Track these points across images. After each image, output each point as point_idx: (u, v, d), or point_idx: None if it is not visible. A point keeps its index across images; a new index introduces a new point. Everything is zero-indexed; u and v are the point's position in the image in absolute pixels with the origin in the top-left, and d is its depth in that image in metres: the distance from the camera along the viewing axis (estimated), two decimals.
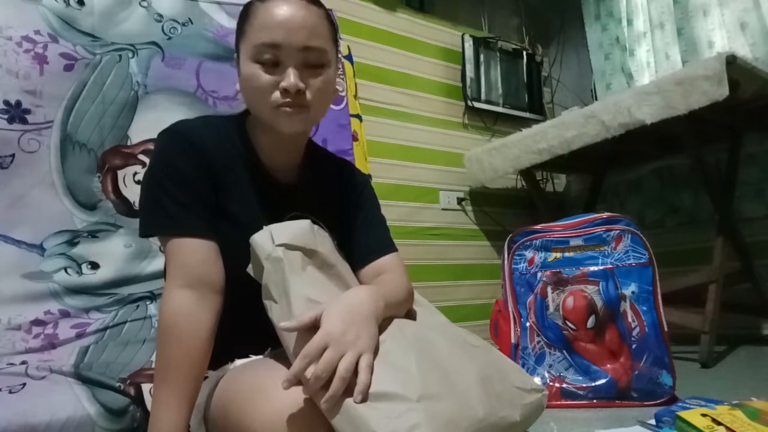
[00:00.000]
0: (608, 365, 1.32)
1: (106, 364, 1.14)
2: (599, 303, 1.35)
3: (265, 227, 0.69)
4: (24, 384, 1.03)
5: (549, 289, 1.41)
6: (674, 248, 2.37)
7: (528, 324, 1.42)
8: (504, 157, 2.32)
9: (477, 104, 2.68)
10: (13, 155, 1.22)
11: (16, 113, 1.23)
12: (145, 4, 1.45)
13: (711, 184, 1.96)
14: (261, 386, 0.62)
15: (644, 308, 1.32)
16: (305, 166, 0.87)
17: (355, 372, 0.56)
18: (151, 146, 1.36)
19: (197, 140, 0.75)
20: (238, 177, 0.78)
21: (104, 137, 1.33)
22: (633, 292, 1.33)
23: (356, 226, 0.86)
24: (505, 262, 1.49)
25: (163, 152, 0.76)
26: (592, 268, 1.38)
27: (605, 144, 1.94)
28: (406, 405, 0.55)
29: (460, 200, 2.59)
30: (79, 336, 1.18)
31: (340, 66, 1.72)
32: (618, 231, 1.39)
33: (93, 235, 1.28)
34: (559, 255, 1.43)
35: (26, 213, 1.22)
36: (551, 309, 1.39)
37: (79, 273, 1.24)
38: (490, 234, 2.67)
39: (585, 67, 2.88)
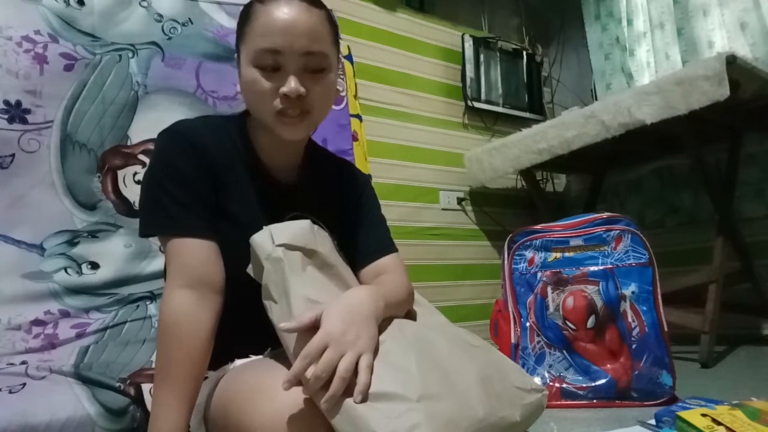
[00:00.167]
0: (608, 365, 1.32)
1: (106, 364, 1.14)
2: (599, 303, 1.35)
3: (265, 227, 0.69)
4: (24, 384, 1.03)
5: (549, 289, 1.41)
6: (674, 248, 2.37)
7: (528, 324, 1.42)
8: (504, 157, 2.32)
9: (477, 104, 2.68)
10: (13, 155, 1.22)
11: (16, 113, 1.23)
12: (145, 4, 1.45)
13: (711, 184, 1.96)
14: (261, 386, 0.62)
15: (644, 308, 1.32)
16: (305, 166, 0.87)
17: (355, 372, 0.56)
18: (151, 146, 1.36)
19: (197, 140, 0.75)
20: (238, 177, 0.78)
21: (104, 137, 1.33)
22: (633, 292, 1.33)
23: (357, 226, 0.86)
24: (505, 262, 1.49)
25: (164, 152, 0.75)
26: (592, 268, 1.38)
27: (605, 144, 1.94)
28: (406, 405, 0.55)
29: (460, 200, 2.59)
30: (79, 336, 1.18)
31: (341, 66, 1.72)
32: (618, 231, 1.39)
33: (93, 235, 1.28)
34: (559, 255, 1.43)
35: (26, 213, 1.22)
36: (551, 309, 1.39)
37: (79, 273, 1.24)
38: (490, 234, 2.67)
39: (585, 67, 2.88)
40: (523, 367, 1.36)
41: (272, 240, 0.67)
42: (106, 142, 1.33)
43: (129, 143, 1.36)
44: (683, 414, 0.85)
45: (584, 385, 1.33)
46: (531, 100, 2.88)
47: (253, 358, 0.75)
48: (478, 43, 2.71)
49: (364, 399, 0.55)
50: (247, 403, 0.61)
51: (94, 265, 1.26)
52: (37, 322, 1.16)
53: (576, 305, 1.37)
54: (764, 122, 2.02)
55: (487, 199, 2.69)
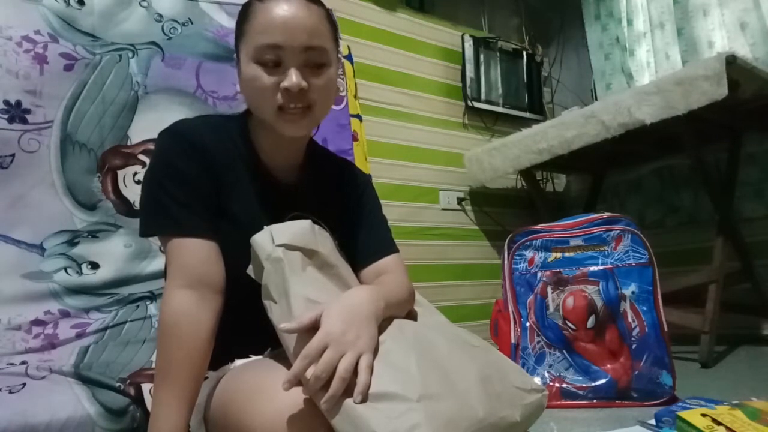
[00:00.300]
0: (608, 365, 1.32)
1: (106, 364, 1.14)
2: (599, 303, 1.35)
3: (265, 227, 0.69)
4: (24, 384, 1.03)
5: (549, 289, 1.41)
6: (674, 248, 2.37)
7: (528, 324, 1.42)
8: (504, 157, 2.32)
9: (477, 104, 2.68)
10: (13, 155, 1.22)
11: (16, 113, 1.23)
12: (145, 4, 1.45)
13: (711, 184, 1.96)
14: (261, 386, 0.62)
15: (644, 308, 1.32)
16: (306, 166, 0.86)
17: (355, 372, 0.56)
18: (151, 146, 1.36)
19: (198, 140, 0.75)
20: (238, 177, 0.78)
21: (104, 137, 1.33)
22: (633, 292, 1.33)
23: (357, 226, 0.86)
24: (505, 262, 1.49)
25: (164, 152, 0.75)
26: (592, 268, 1.38)
27: (605, 144, 1.94)
28: (406, 405, 0.55)
29: (460, 200, 2.59)
30: (79, 336, 1.18)
31: (341, 66, 1.72)
32: (618, 231, 1.39)
33: (93, 235, 1.28)
34: (559, 255, 1.43)
35: (26, 213, 1.22)
36: (551, 309, 1.39)
37: (79, 273, 1.24)
38: (490, 234, 2.67)
39: (585, 67, 2.88)
40: (523, 367, 1.36)
41: (272, 240, 0.67)
42: (106, 142, 1.33)
43: (129, 143, 1.36)
44: (683, 414, 0.85)
45: (584, 385, 1.33)
46: (531, 100, 2.88)
47: (253, 358, 0.75)
48: (478, 43, 2.70)
49: (364, 399, 0.55)
50: (247, 403, 0.61)
51: (94, 265, 1.26)
52: (37, 322, 1.16)
53: (576, 305, 1.37)
54: (764, 122, 2.02)
55: (487, 199, 2.69)
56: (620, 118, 1.84)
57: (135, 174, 1.35)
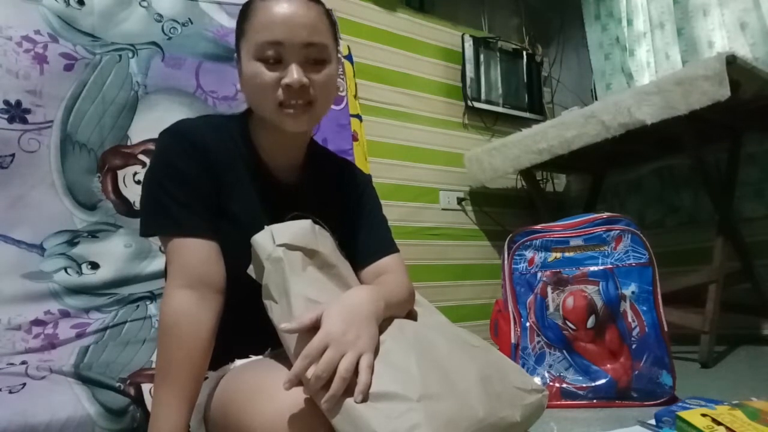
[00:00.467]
0: (608, 365, 1.32)
1: (106, 364, 1.14)
2: (599, 303, 1.35)
3: (265, 227, 0.69)
4: (24, 384, 1.03)
5: (549, 289, 1.41)
6: (674, 248, 2.37)
7: (528, 324, 1.42)
8: (504, 157, 2.32)
9: (477, 104, 2.68)
10: (13, 155, 1.22)
11: (16, 113, 1.23)
12: (145, 4, 1.45)
13: (711, 184, 1.96)
14: (261, 386, 0.62)
15: (644, 308, 1.32)
16: (307, 166, 0.86)
17: (356, 372, 0.56)
18: (151, 146, 1.36)
19: (198, 140, 0.75)
20: (239, 177, 0.78)
21: (104, 137, 1.33)
22: (633, 292, 1.33)
23: (357, 226, 0.86)
24: (505, 262, 1.49)
25: (165, 152, 0.75)
26: (592, 268, 1.38)
27: (605, 144, 1.94)
28: (407, 405, 0.55)
29: (460, 200, 2.59)
30: (79, 336, 1.18)
31: (341, 66, 1.72)
32: (618, 231, 1.39)
33: (93, 235, 1.28)
34: (559, 255, 1.43)
35: (26, 213, 1.22)
36: (551, 309, 1.39)
37: (79, 273, 1.24)
38: (490, 234, 2.67)
39: (585, 67, 2.88)
40: (523, 367, 1.36)
41: (273, 240, 0.67)
42: (106, 142, 1.33)
43: (129, 143, 1.36)
44: (683, 414, 0.85)
45: (584, 385, 1.33)
46: (531, 100, 2.88)
47: (254, 358, 0.75)
48: (478, 43, 2.70)
49: (365, 399, 0.55)
50: (247, 403, 0.61)
51: (94, 265, 1.26)
52: (37, 322, 1.16)
53: (576, 305, 1.37)
54: (764, 122, 2.02)
55: (487, 199, 2.69)
56: (620, 118, 1.84)
57: (135, 174, 1.35)
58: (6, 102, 1.22)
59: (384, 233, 0.89)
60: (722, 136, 2.06)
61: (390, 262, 0.84)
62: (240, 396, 0.64)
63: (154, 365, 0.82)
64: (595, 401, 1.31)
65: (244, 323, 0.74)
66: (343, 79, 1.73)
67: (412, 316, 0.79)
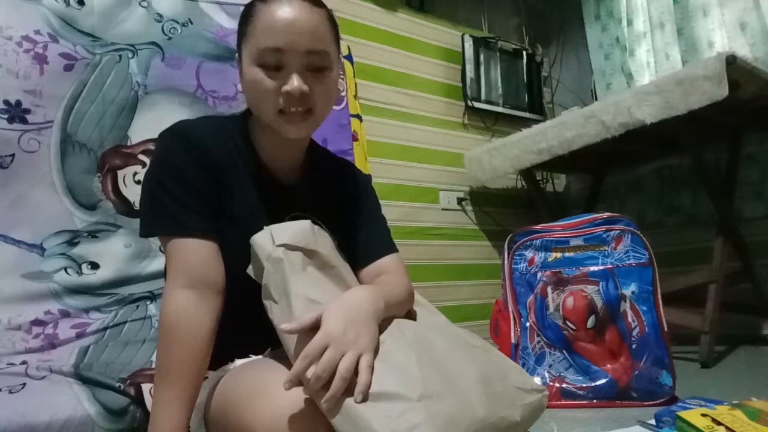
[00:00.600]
0: (608, 365, 1.32)
1: (106, 364, 1.14)
2: (599, 303, 1.35)
3: (265, 227, 0.69)
4: (24, 384, 1.03)
5: (549, 289, 1.41)
6: (674, 248, 2.37)
7: (528, 324, 1.42)
8: (504, 157, 2.32)
9: (477, 104, 2.68)
10: (13, 155, 1.22)
11: (16, 113, 1.23)
12: (145, 4, 1.45)
13: (711, 184, 1.96)
14: (261, 386, 0.62)
15: (644, 308, 1.32)
16: (307, 166, 0.86)
17: (356, 372, 0.56)
18: (151, 146, 1.36)
19: (199, 140, 0.75)
20: (239, 177, 0.78)
21: (104, 137, 1.33)
22: (633, 292, 1.33)
23: (357, 226, 0.86)
24: (505, 262, 1.49)
25: (165, 152, 0.75)
26: (592, 268, 1.38)
27: (605, 144, 1.94)
28: (407, 405, 0.55)
29: (460, 200, 2.59)
30: (79, 336, 1.18)
31: (341, 66, 1.71)
32: (618, 231, 1.39)
33: (93, 235, 1.28)
34: (559, 255, 1.43)
35: (26, 213, 1.22)
36: (551, 309, 1.39)
37: (79, 273, 1.24)
38: (490, 234, 2.67)
39: (585, 67, 2.88)
40: (523, 367, 1.36)
41: (273, 240, 0.67)
42: (106, 142, 1.33)
43: (129, 143, 1.36)
44: (683, 414, 0.85)
45: (584, 385, 1.33)
46: (531, 100, 2.88)
47: (254, 358, 0.75)
48: (478, 43, 2.70)
49: (365, 399, 0.55)
50: (247, 403, 0.61)
51: (94, 265, 1.26)
52: (37, 322, 1.16)
53: (576, 305, 1.37)
54: (764, 122, 2.02)
55: (487, 199, 2.69)
56: (620, 118, 1.84)
57: (135, 174, 1.35)
58: (6, 102, 1.22)
59: (383, 233, 0.88)
60: (722, 136, 2.06)
61: (390, 263, 0.84)
62: (240, 396, 0.64)
63: (154, 365, 0.82)
64: (595, 401, 1.31)
65: (244, 323, 0.74)
66: (343, 79, 1.73)
67: (412, 316, 0.79)
